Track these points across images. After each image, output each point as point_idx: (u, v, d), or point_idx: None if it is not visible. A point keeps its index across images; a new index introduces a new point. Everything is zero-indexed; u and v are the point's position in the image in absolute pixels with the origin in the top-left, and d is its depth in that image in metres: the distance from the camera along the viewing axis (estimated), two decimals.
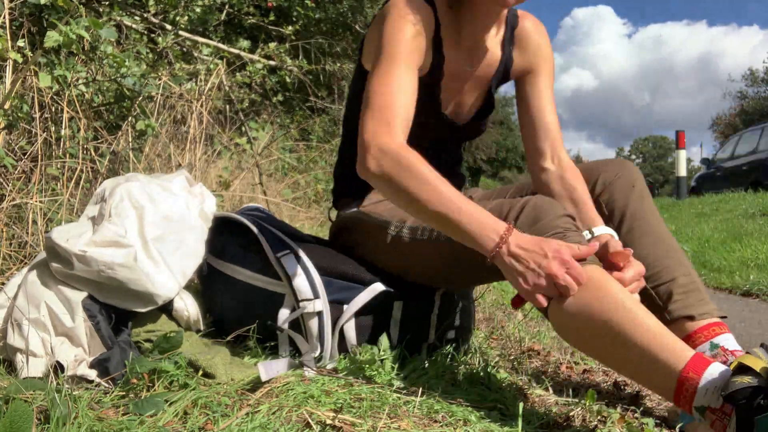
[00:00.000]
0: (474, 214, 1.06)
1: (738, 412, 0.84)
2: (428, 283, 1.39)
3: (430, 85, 1.34)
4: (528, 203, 1.16)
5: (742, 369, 0.87)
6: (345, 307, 1.37)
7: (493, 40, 1.40)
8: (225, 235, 1.50)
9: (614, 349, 1.00)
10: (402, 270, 1.38)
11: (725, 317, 1.20)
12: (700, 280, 1.25)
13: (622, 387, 1.37)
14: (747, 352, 0.91)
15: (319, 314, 1.35)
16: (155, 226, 1.36)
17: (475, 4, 1.31)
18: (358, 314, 1.37)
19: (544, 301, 1.03)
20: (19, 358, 1.20)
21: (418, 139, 1.31)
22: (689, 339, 1.15)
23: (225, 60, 4.23)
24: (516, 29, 1.43)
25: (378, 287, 1.37)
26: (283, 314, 1.36)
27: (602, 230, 1.25)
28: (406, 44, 1.22)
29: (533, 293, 1.03)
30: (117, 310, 1.31)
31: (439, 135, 1.45)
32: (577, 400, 1.19)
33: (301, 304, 1.35)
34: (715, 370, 0.90)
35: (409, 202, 1.11)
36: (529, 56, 1.43)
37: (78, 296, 1.27)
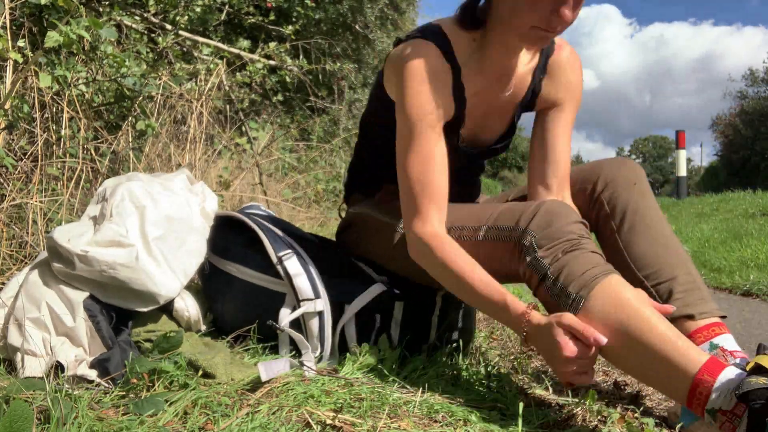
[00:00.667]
0: (496, 307, 1.12)
1: (750, 413, 0.84)
2: (432, 283, 1.39)
3: (451, 127, 1.31)
4: (541, 207, 1.17)
5: (759, 369, 0.87)
6: (346, 306, 1.37)
7: (525, 67, 1.36)
8: (227, 233, 1.50)
9: (631, 355, 1.02)
10: (406, 269, 1.38)
11: (725, 317, 1.20)
12: (701, 279, 1.24)
13: (622, 387, 1.37)
14: (764, 353, 0.92)
15: (320, 314, 1.35)
16: (157, 226, 1.36)
17: (507, 35, 1.25)
18: (359, 314, 1.37)
19: (588, 379, 1.04)
20: (19, 357, 1.20)
21: None
22: (688, 339, 1.15)
23: (225, 60, 4.23)
24: (551, 58, 1.37)
25: (379, 287, 1.37)
26: (284, 313, 1.36)
27: None
28: (430, 111, 1.22)
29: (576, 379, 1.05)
30: (117, 310, 1.31)
31: (459, 163, 1.41)
32: (577, 400, 1.19)
33: (301, 303, 1.35)
34: (730, 373, 0.91)
35: (444, 283, 1.22)
36: (558, 88, 1.38)
37: (79, 296, 1.27)
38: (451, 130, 1.31)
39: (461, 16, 1.28)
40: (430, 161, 1.21)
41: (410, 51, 1.25)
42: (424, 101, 1.22)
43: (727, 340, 1.13)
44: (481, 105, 1.35)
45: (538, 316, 1.07)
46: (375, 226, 1.44)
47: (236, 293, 1.45)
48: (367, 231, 1.46)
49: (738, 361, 1.08)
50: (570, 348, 1.01)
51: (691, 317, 1.16)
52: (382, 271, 1.41)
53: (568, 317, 1.03)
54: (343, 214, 1.63)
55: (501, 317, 1.12)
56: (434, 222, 1.21)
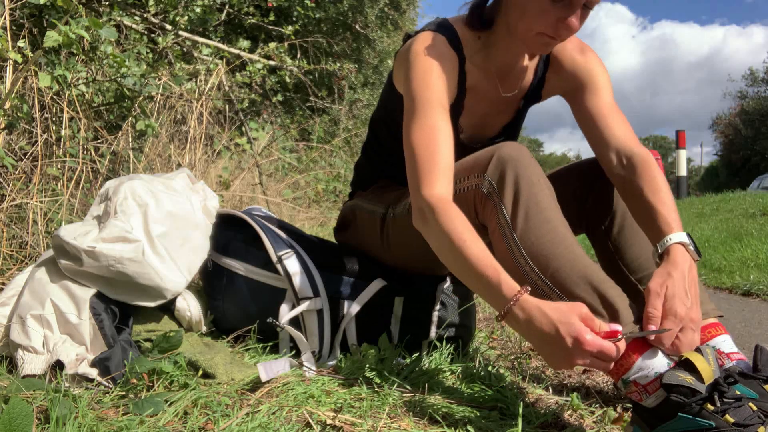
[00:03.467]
0: (488, 282, 1.02)
1: (666, 402, 0.91)
2: (425, 271, 1.40)
3: (451, 114, 1.30)
4: (494, 154, 1.16)
5: (686, 364, 0.93)
6: (346, 303, 1.37)
7: (527, 62, 1.36)
8: (228, 231, 1.51)
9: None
10: (397, 258, 1.38)
11: (722, 316, 1.19)
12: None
13: (622, 387, 1.36)
14: (697, 349, 0.96)
15: (319, 312, 1.35)
16: (160, 223, 1.37)
17: (512, 38, 1.26)
18: (359, 310, 1.37)
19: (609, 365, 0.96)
20: (20, 354, 1.20)
21: None
22: None
23: (225, 60, 4.23)
24: (552, 52, 1.37)
25: (380, 282, 1.37)
26: (285, 310, 1.37)
27: (677, 238, 1.08)
28: (435, 89, 1.21)
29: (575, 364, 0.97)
30: (119, 309, 1.32)
31: (462, 154, 1.40)
32: (574, 401, 1.19)
33: (300, 302, 1.35)
34: (653, 355, 0.98)
35: (440, 253, 1.12)
36: (567, 77, 1.36)
37: (86, 293, 1.27)
38: (451, 116, 1.30)
39: (470, 16, 1.30)
40: (434, 132, 1.18)
41: (418, 41, 1.27)
42: (429, 79, 1.22)
43: (724, 342, 1.12)
44: (481, 101, 1.36)
45: (533, 299, 0.98)
46: (363, 217, 1.46)
47: (237, 289, 1.45)
48: (358, 224, 1.49)
49: (734, 363, 1.07)
50: (591, 342, 0.92)
51: None
52: (380, 266, 1.42)
53: (584, 310, 0.96)
54: None
55: (490, 293, 1.02)
56: (440, 186, 1.13)
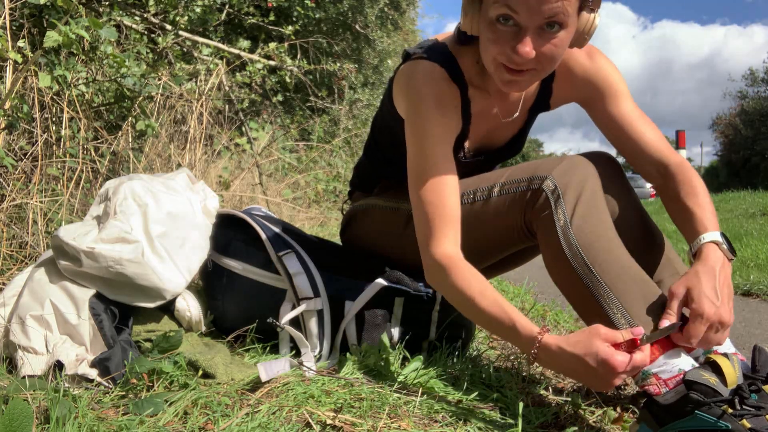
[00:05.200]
0: (506, 329, 1.05)
1: (686, 398, 0.91)
2: None
3: (456, 142, 1.30)
4: (563, 160, 1.21)
5: (714, 368, 0.94)
6: (347, 303, 1.37)
7: None
8: (228, 231, 1.51)
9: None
10: (416, 254, 1.38)
11: None
12: None
13: (622, 387, 1.37)
14: (725, 355, 0.98)
15: (319, 312, 1.35)
16: (159, 223, 1.37)
17: None
18: (360, 311, 1.37)
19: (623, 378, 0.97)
20: (20, 355, 1.20)
21: None
22: None
23: (225, 60, 4.24)
24: None
25: (380, 283, 1.37)
26: (285, 310, 1.37)
27: (710, 237, 1.10)
28: (438, 136, 1.21)
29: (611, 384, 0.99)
30: (119, 309, 1.32)
31: (466, 170, 1.40)
32: (574, 401, 1.19)
33: (301, 302, 1.35)
34: (676, 353, 1.01)
35: (456, 306, 1.17)
36: (580, 85, 1.33)
37: (85, 294, 1.27)
38: (456, 144, 1.30)
39: (456, 35, 1.27)
40: (442, 184, 1.19)
41: (418, 75, 1.24)
42: (433, 126, 1.21)
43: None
44: (486, 122, 1.35)
45: (553, 339, 1.00)
46: (379, 214, 1.45)
47: (237, 290, 1.45)
48: (372, 222, 1.47)
49: None
50: (621, 362, 0.94)
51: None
52: (389, 263, 1.41)
53: (603, 330, 0.97)
54: (345, 209, 1.64)
55: (512, 340, 1.06)
56: (448, 243, 1.17)
